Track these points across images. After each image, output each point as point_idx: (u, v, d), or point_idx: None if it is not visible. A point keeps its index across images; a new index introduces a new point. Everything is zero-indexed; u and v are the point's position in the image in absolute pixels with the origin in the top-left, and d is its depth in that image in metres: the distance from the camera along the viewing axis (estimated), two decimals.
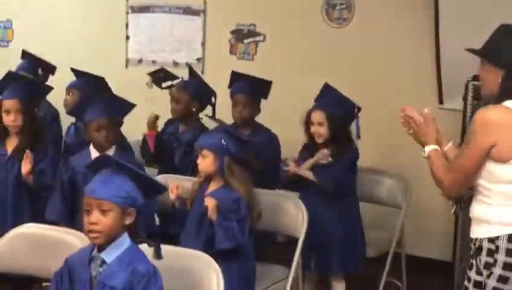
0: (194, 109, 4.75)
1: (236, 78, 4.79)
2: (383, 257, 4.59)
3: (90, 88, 4.63)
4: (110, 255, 2.62)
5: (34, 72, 5.29)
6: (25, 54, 5.57)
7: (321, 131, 4.19)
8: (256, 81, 4.73)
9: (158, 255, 2.73)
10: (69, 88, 4.84)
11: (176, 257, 3.02)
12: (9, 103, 4.07)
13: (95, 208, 2.58)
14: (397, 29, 5.54)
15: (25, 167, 3.99)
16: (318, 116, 4.21)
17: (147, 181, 2.73)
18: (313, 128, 4.22)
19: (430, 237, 5.51)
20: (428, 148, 3.02)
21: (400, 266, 4.72)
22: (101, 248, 2.63)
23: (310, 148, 4.30)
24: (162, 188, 2.88)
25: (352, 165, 4.29)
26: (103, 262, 2.62)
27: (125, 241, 2.64)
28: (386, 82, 5.58)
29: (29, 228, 3.38)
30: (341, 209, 4.27)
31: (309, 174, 4.22)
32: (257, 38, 6.04)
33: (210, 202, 3.53)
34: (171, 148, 4.69)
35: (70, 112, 4.27)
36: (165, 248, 2.78)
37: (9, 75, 4.28)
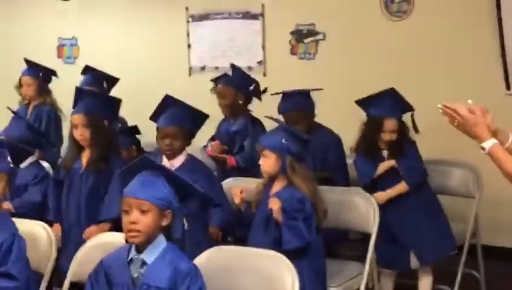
0: (240, 102, 4.86)
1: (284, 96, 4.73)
2: (458, 249, 4.52)
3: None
4: (150, 256, 2.65)
5: (99, 86, 5.39)
6: (88, 69, 5.69)
7: (393, 137, 4.23)
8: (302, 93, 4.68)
9: None
10: None
11: (248, 256, 3.05)
12: (76, 118, 4.15)
13: (134, 208, 2.62)
14: (458, 17, 5.47)
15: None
16: (393, 124, 4.22)
17: (184, 185, 2.76)
18: (386, 136, 4.23)
19: (505, 226, 5.41)
20: (487, 145, 2.86)
21: (476, 257, 4.66)
22: (139, 250, 2.67)
23: (370, 151, 4.30)
24: (199, 194, 2.90)
25: (419, 154, 4.31)
26: (143, 263, 2.65)
27: (162, 241, 2.68)
28: (450, 72, 5.51)
29: (106, 237, 3.45)
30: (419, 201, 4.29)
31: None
32: (317, 37, 6.05)
33: (275, 204, 3.54)
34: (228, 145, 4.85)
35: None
36: (237, 249, 2.79)
37: (77, 91, 4.37)
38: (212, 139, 4.97)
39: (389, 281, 4.41)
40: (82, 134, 4.12)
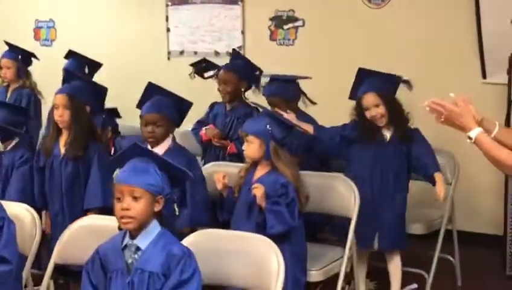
0: (242, 89, 4.87)
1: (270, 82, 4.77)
2: (433, 234, 4.60)
3: None
4: (143, 242, 2.67)
5: (81, 71, 5.37)
6: (71, 54, 5.65)
7: (380, 111, 4.16)
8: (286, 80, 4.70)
9: None
10: None
11: (235, 239, 3.09)
12: (58, 98, 4.12)
13: (126, 194, 2.64)
14: (436, 6, 5.53)
15: None
16: (371, 98, 4.17)
17: (175, 170, 2.78)
18: (371, 112, 4.17)
19: (481, 212, 5.51)
20: (474, 133, 2.89)
21: (451, 242, 4.73)
22: (133, 236, 2.70)
23: (368, 134, 4.25)
24: (189, 177, 2.91)
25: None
26: (137, 249, 2.68)
27: (155, 227, 2.70)
28: (428, 60, 5.57)
29: (92, 219, 3.48)
30: (396, 187, 4.29)
31: None
32: (296, 24, 6.07)
33: (258, 190, 3.57)
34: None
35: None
36: (223, 232, 2.82)
37: (67, 74, 4.36)
38: (202, 123, 4.93)
39: (362, 264, 4.45)
40: (61, 115, 4.10)
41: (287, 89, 4.64)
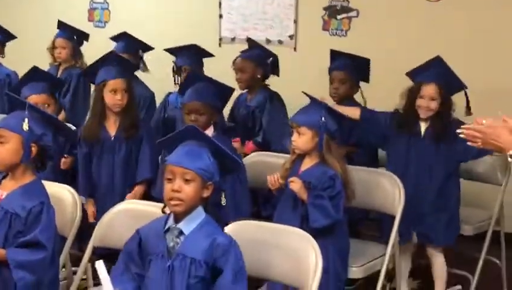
0: (259, 76, 4.87)
1: (335, 56, 4.79)
2: (481, 236, 4.49)
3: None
4: (187, 226, 2.63)
5: (133, 53, 5.37)
6: (124, 36, 5.63)
7: (432, 106, 4.05)
8: (355, 58, 4.72)
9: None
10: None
11: (274, 232, 3.05)
12: (117, 82, 4.14)
13: (178, 176, 2.61)
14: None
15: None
16: (432, 90, 4.06)
17: (227, 158, 2.74)
18: (422, 102, 4.06)
19: None
20: None
21: (499, 244, 4.62)
22: (177, 219, 2.66)
23: (405, 120, 4.17)
24: (239, 166, 2.93)
25: None
26: (180, 233, 2.64)
27: (201, 213, 2.66)
28: (488, 54, 5.42)
29: (132, 204, 3.48)
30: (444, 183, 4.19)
31: None
32: (350, 14, 5.99)
33: (295, 185, 3.53)
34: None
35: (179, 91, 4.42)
36: (263, 224, 2.78)
37: (111, 55, 4.37)
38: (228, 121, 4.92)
39: (405, 261, 4.37)
40: (121, 99, 4.12)
41: (353, 66, 4.68)
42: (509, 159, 2.83)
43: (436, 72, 4.13)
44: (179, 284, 2.59)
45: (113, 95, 4.13)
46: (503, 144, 2.84)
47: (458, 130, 2.95)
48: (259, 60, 4.94)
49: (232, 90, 4.04)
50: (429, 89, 4.06)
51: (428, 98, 4.06)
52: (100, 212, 4.10)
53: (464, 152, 4.03)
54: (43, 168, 3.11)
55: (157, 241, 2.66)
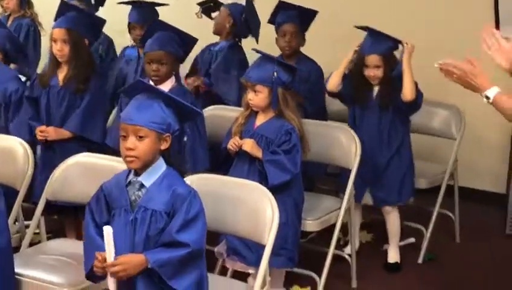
0: (227, 25, 4.83)
1: (283, 7, 4.71)
2: (435, 189, 4.54)
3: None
4: (148, 179, 2.62)
5: (87, 3, 5.24)
6: None
7: (378, 74, 4.14)
8: (304, 10, 4.65)
9: None
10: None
11: (231, 186, 3.04)
12: (56, 32, 4.03)
13: (131, 134, 2.58)
14: None
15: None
16: (375, 59, 4.13)
17: (181, 107, 2.70)
18: (369, 72, 4.14)
19: (484, 169, 5.43)
20: (491, 93, 2.78)
21: (452, 198, 4.67)
22: (138, 173, 2.63)
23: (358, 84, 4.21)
24: (197, 113, 2.90)
25: None
26: (141, 186, 2.62)
27: (161, 165, 2.64)
28: (440, 11, 5.41)
29: (84, 157, 3.42)
30: (396, 140, 4.23)
31: None
32: None
33: (246, 147, 3.51)
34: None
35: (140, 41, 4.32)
36: (220, 178, 2.75)
37: (62, 4, 4.24)
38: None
39: (357, 216, 4.39)
40: (61, 49, 4.02)
41: (299, 17, 4.61)
42: (484, 100, 2.82)
43: (372, 43, 4.16)
44: (139, 236, 2.58)
45: (54, 44, 4.04)
46: (479, 84, 2.82)
47: (436, 63, 2.90)
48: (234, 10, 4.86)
49: (195, 40, 3.97)
50: (372, 59, 4.14)
51: (373, 67, 4.15)
52: (44, 160, 4.03)
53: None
54: None
55: (119, 195, 2.64)
